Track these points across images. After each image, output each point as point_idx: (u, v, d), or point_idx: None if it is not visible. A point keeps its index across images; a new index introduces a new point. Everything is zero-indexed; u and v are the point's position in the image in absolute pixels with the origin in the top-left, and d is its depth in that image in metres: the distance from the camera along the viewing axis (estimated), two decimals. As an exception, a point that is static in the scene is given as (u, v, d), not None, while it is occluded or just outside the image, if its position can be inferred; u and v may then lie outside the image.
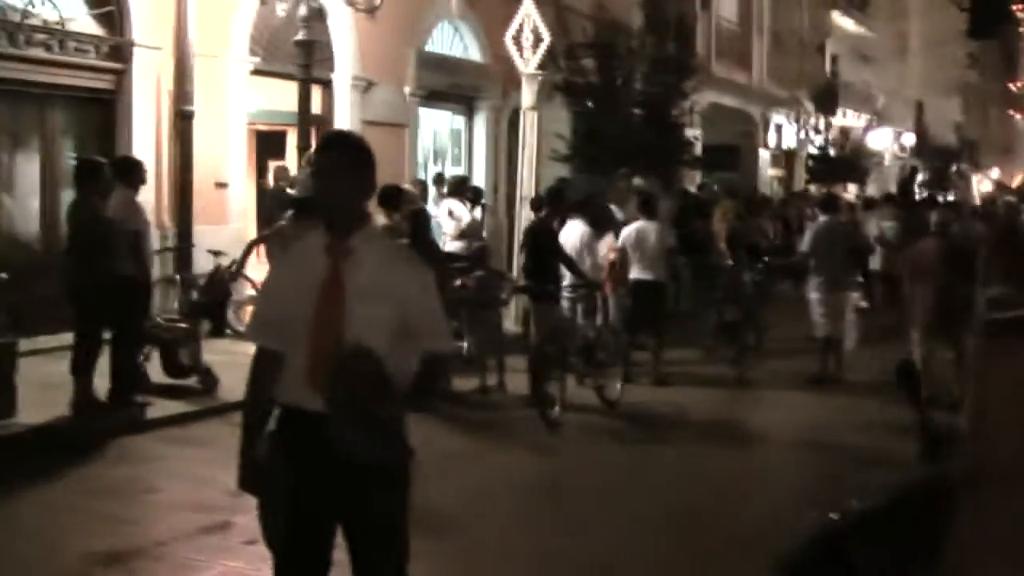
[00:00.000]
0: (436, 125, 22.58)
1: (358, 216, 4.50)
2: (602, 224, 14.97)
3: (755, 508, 8.98)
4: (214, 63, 15.72)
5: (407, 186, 15.28)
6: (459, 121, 23.16)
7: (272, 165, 19.64)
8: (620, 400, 12.53)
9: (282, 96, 17.59)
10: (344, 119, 18.52)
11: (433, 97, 21.25)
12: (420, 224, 11.98)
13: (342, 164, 4.42)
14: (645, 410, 12.60)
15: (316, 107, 16.85)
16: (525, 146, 17.69)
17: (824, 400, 13.52)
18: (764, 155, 38.71)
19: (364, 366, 4.16)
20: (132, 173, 11.15)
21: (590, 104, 22.31)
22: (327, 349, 4.31)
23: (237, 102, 16.43)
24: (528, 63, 17.28)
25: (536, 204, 14.82)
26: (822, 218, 14.73)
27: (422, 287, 4.51)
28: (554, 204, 13.06)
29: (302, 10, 13.52)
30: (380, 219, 12.73)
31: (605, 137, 21.83)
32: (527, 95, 17.51)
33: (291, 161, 18.90)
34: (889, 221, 20.54)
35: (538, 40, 17.19)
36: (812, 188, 36.87)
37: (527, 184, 17.58)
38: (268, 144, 20.34)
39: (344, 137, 4.80)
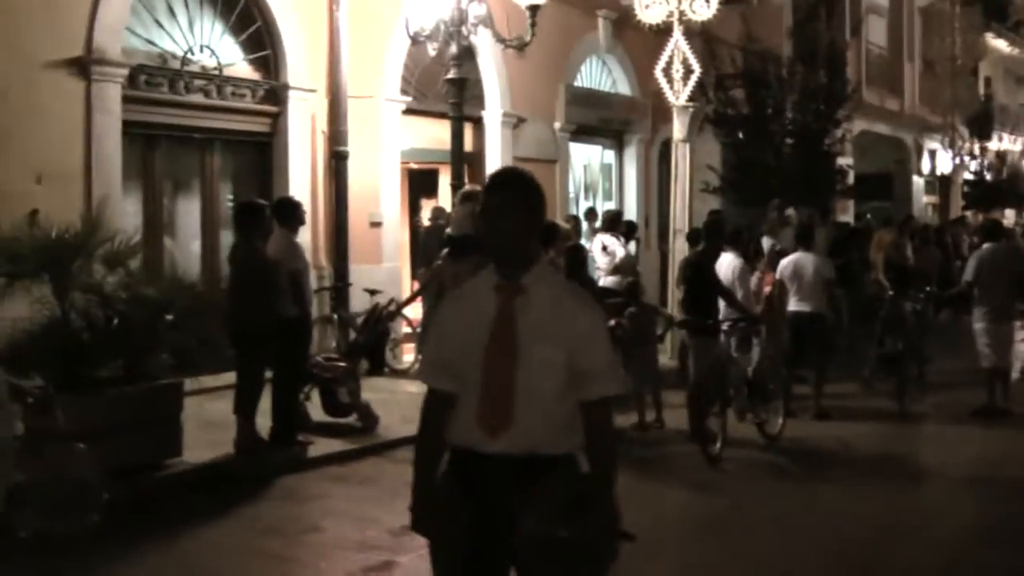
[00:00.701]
0: (586, 159, 22.61)
1: (529, 255, 4.43)
2: (754, 256, 14.78)
3: (929, 547, 8.69)
4: (367, 104, 15.93)
5: (560, 222, 15.24)
6: (609, 155, 23.15)
7: (425, 204, 19.83)
8: (782, 435, 12.28)
9: (433, 134, 17.76)
10: (495, 156, 18.63)
11: (583, 132, 21.29)
12: (577, 260, 11.92)
13: (513, 202, 4.35)
14: (808, 445, 12.31)
15: (468, 144, 16.95)
16: (677, 178, 17.57)
17: (993, 434, 13.09)
18: (918, 182, 37.96)
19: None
20: (291, 214, 11.28)
21: (740, 135, 22.11)
22: (499, 390, 4.27)
23: (390, 141, 16.59)
24: (679, 95, 17.17)
25: (693, 237, 14.66)
26: (986, 246, 14.31)
27: (594, 327, 4.41)
28: (712, 237, 12.90)
29: (452, 49, 13.55)
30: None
31: (757, 168, 21.60)
32: (678, 127, 17.39)
33: (444, 199, 19.05)
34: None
35: (688, 72, 17.08)
36: (969, 215, 36.03)
37: (680, 217, 17.45)
38: (420, 182, 20.54)
39: (514, 174, 4.71)
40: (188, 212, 14.54)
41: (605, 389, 4.40)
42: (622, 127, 22.59)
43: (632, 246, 17.63)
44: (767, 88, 21.79)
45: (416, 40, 13.71)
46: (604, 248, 16.22)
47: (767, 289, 14.65)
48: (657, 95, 18.42)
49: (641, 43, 20.19)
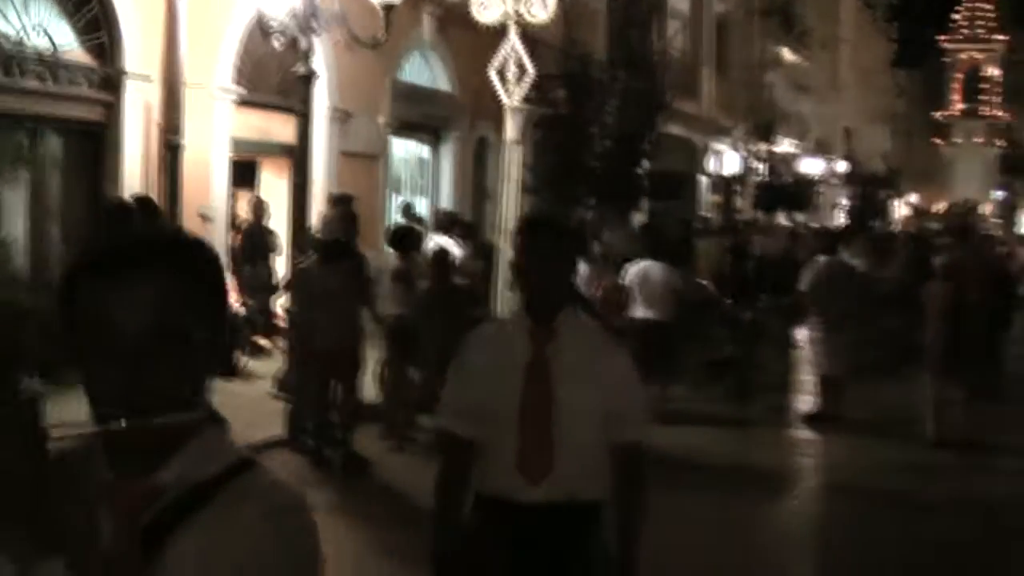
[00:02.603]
0: (404, 155, 22.42)
1: (565, 298, 4.36)
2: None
3: (808, 560, 8.91)
4: (200, 94, 15.40)
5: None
6: (425, 151, 23.00)
7: (240, 197, 19.31)
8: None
9: (252, 124, 17.29)
10: (321, 150, 18.27)
11: (403, 128, 21.09)
12: (447, 266, 11.78)
13: (559, 246, 4.27)
14: (657, 451, 12.41)
15: (292, 138, 16.61)
16: (509, 179, 17.51)
17: (832, 439, 13.50)
18: (704, 182, 38.91)
19: None
20: (155, 214, 10.88)
21: (547, 135, 22.28)
22: (537, 436, 4.16)
23: (222, 133, 16.11)
24: (513, 96, 17.11)
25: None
26: (821, 258, 14.73)
27: (627, 369, 4.39)
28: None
29: (303, 43, 13.22)
30: (392, 261, 12.54)
31: (575, 169, 21.81)
32: (511, 128, 17.27)
33: (266, 193, 18.63)
34: (858, 257, 20.51)
35: (523, 73, 17.01)
36: (759, 216, 37.15)
37: (510, 218, 17.40)
38: (236, 174, 19.97)
39: (554, 218, 4.71)
40: (15, 203, 13.77)
41: (638, 432, 4.37)
42: (441, 124, 22.49)
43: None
44: (588, 91, 22.00)
45: (267, 32, 13.30)
46: (442, 250, 16.06)
47: (597, 293, 14.78)
48: (476, 93, 18.35)
49: (463, 41, 20.12)
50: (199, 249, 2.03)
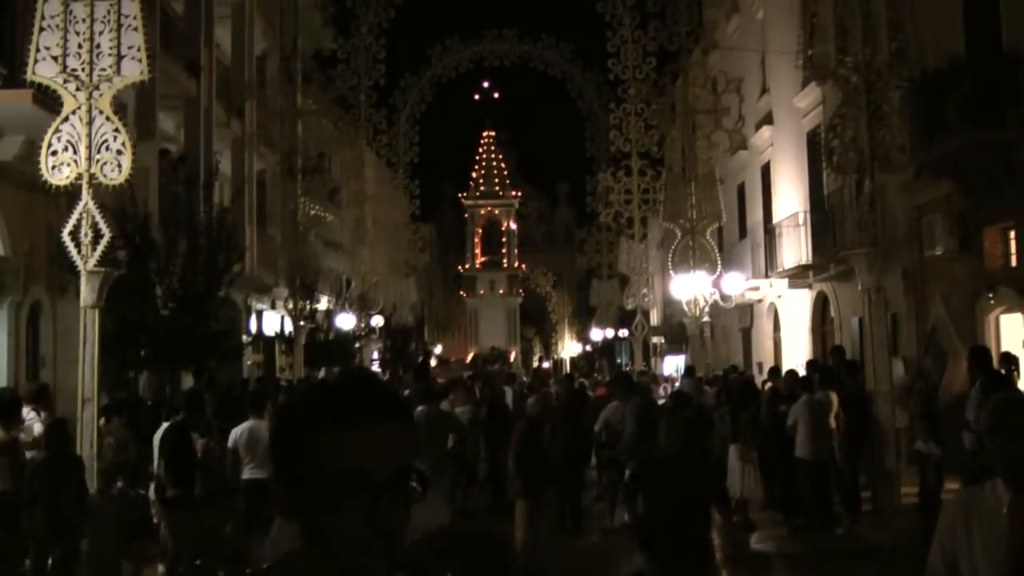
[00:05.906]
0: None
1: None
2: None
3: None
4: None
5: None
6: (-24, 317, 21.80)
7: None
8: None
9: None
10: None
11: (-46, 294, 19.99)
12: (65, 437, 11.25)
13: None
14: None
15: None
16: (87, 344, 16.92)
17: None
18: (246, 341, 38.71)
19: None
20: None
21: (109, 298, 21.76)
22: None
23: None
24: (87, 260, 16.64)
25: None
26: (420, 408, 15.16)
27: None
28: (196, 407, 12.73)
29: None
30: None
31: (141, 331, 21.33)
32: (88, 293, 16.78)
33: None
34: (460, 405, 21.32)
35: (98, 236, 16.62)
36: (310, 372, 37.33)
37: (88, 385, 16.78)
38: None
39: None
40: None
41: None
42: (-7, 288, 21.42)
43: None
44: (152, 252, 21.65)
45: None
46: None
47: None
48: (30, 256, 17.72)
49: (15, 201, 19.40)
50: (397, 394, 2.40)
